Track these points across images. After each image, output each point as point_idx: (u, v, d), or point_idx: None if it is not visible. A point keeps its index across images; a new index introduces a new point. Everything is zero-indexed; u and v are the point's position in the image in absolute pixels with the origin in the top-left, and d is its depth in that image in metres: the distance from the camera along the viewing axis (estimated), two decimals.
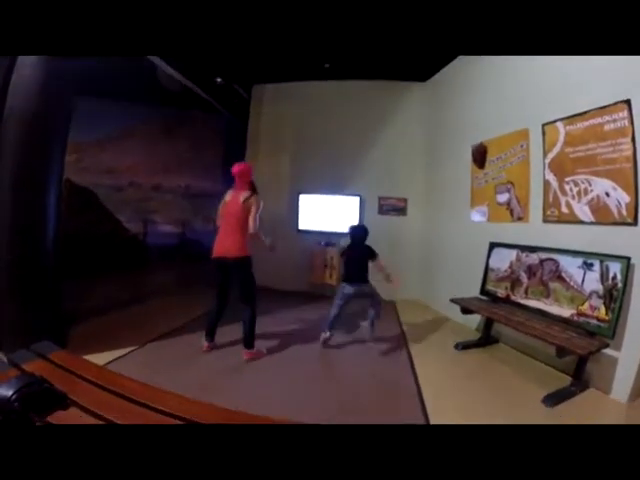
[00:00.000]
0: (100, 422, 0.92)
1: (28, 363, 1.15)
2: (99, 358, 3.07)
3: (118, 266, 7.00)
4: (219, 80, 6.48)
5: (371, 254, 3.84)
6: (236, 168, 3.51)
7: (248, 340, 3.47)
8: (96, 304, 4.71)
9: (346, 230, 4.11)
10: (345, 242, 4.39)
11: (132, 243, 8.15)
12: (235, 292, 3.53)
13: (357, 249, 3.89)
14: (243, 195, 3.45)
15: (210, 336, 3.63)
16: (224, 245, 3.41)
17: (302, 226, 6.50)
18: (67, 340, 3.40)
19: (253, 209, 3.41)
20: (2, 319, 3.00)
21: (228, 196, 3.56)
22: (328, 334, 3.80)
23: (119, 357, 3.29)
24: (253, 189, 3.55)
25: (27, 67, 2.91)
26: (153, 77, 5.69)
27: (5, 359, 1.19)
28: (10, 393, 0.85)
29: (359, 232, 3.96)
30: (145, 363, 3.26)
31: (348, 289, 3.78)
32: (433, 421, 2.49)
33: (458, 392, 3.00)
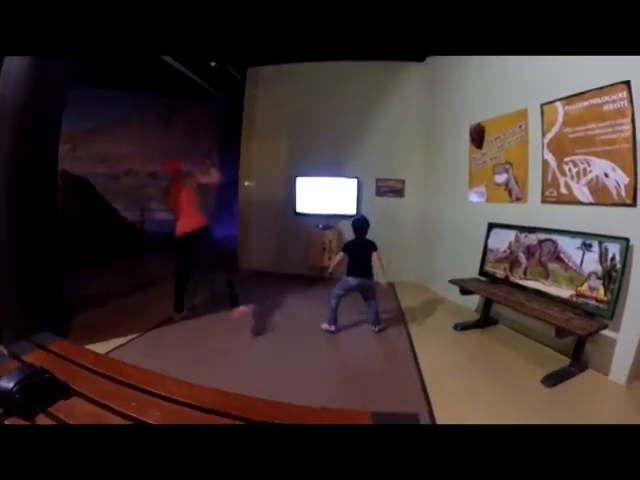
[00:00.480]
0: (101, 410, 0.92)
1: (29, 354, 1.15)
2: (100, 347, 3.09)
3: (116, 255, 6.99)
4: (213, 64, 6.38)
5: (374, 247, 3.86)
6: (168, 163, 4.38)
7: (234, 299, 4.19)
8: (95, 293, 4.71)
9: (344, 216, 4.15)
10: (340, 225, 4.39)
11: (129, 231, 8.12)
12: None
13: (361, 243, 3.91)
14: (180, 179, 4.08)
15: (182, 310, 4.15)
16: (186, 223, 3.99)
17: (300, 209, 6.46)
18: (68, 330, 3.41)
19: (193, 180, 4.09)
20: (2, 311, 3.00)
21: (169, 184, 4.15)
22: (332, 327, 3.83)
23: (120, 345, 3.30)
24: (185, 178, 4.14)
25: (15, 57, 2.85)
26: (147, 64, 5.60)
27: (5, 351, 1.19)
28: (11, 385, 0.85)
29: (362, 225, 3.94)
30: (146, 350, 3.27)
31: (353, 281, 3.79)
32: (434, 403, 2.51)
33: (458, 373, 3.03)
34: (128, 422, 0.88)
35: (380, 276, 3.87)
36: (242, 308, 4.02)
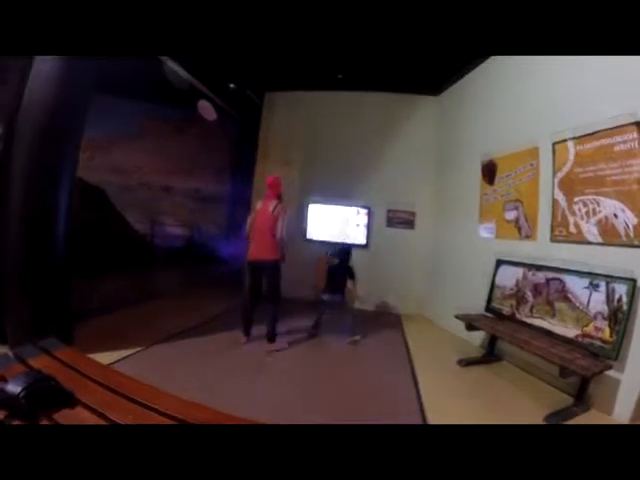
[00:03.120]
0: (105, 422, 0.93)
1: (34, 359, 1.16)
2: (104, 357, 3.09)
3: (126, 266, 7.04)
4: (232, 86, 6.54)
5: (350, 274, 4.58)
6: (270, 180, 4.03)
7: (271, 335, 3.94)
8: (103, 302, 4.74)
9: (354, 245, 4.43)
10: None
11: (140, 243, 8.18)
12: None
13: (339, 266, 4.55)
14: (272, 204, 3.91)
15: (247, 332, 4.01)
16: (258, 249, 3.86)
17: (310, 235, 6.49)
18: (73, 337, 3.42)
19: (281, 216, 3.87)
20: (10, 314, 3.03)
21: (259, 205, 4.01)
22: (358, 337, 4.41)
23: (125, 357, 3.30)
24: (280, 199, 4.02)
25: (45, 62, 2.95)
26: (164, 76, 5.75)
27: (11, 354, 1.21)
28: (19, 390, 0.86)
29: (343, 253, 4.61)
30: (151, 365, 3.26)
31: (325, 297, 4.52)
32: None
33: (460, 409, 2.98)
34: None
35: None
36: (281, 342, 4.01)
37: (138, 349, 3.51)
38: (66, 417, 0.92)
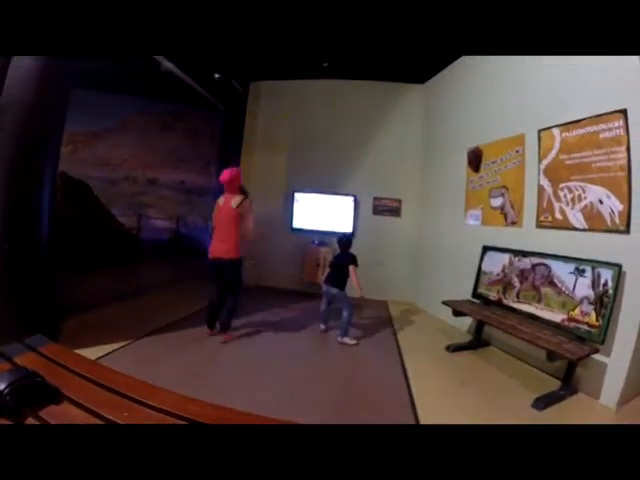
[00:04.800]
0: (92, 417, 0.92)
1: (20, 356, 1.14)
2: (91, 352, 3.06)
3: (111, 260, 6.97)
4: (217, 76, 6.45)
5: (352, 261, 4.10)
6: (225, 175, 3.69)
7: (225, 326, 3.87)
8: (88, 298, 4.68)
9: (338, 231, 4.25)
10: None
11: (126, 237, 8.10)
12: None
13: (340, 256, 4.23)
14: (235, 200, 3.68)
15: (211, 325, 3.93)
16: (219, 248, 3.68)
17: (296, 225, 6.48)
18: (59, 333, 3.38)
19: (249, 217, 3.72)
20: None
21: (221, 201, 3.77)
22: (323, 327, 4.34)
23: (111, 351, 3.27)
24: (244, 193, 3.80)
25: (24, 57, 2.88)
26: (151, 70, 5.65)
27: None
28: (2, 387, 0.84)
29: (343, 242, 4.25)
30: (137, 358, 3.24)
31: (324, 288, 4.21)
32: (422, 422, 2.50)
33: (449, 395, 3.02)
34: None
35: (354, 288, 4.03)
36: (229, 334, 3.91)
37: (124, 343, 3.47)
38: (52, 413, 0.90)
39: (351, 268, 4.03)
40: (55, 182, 3.33)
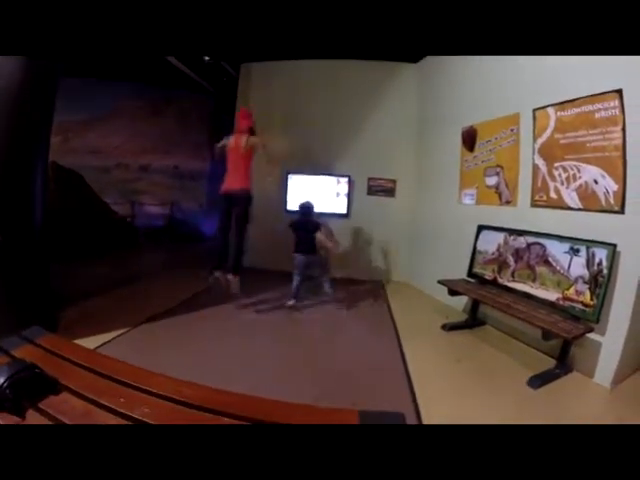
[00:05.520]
0: (91, 406, 0.92)
1: (17, 349, 1.14)
2: (90, 341, 3.06)
3: (106, 248, 6.94)
4: (207, 58, 6.34)
5: (317, 227, 4.29)
6: (242, 111, 4.40)
7: (236, 267, 4.08)
8: (85, 287, 4.67)
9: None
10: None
11: (120, 225, 8.05)
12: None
13: (304, 222, 4.36)
14: (244, 139, 4.07)
15: (219, 266, 4.12)
16: (232, 182, 4.03)
17: (291, 206, 6.42)
18: (57, 324, 3.37)
19: (259, 144, 4.13)
20: None
21: (231, 141, 4.13)
22: (291, 302, 4.35)
23: (110, 340, 3.27)
24: (253, 132, 4.21)
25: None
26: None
27: None
28: (1, 381, 0.85)
29: (305, 208, 4.43)
30: (136, 345, 3.25)
31: (300, 257, 4.26)
32: (420, 402, 2.54)
33: (445, 373, 3.06)
34: (117, 418, 0.88)
35: (327, 243, 4.32)
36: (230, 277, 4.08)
37: (121, 331, 3.48)
38: (52, 404, 0.91)
39: (319, 233, 4.23)
40: (46, 172, 3.29)
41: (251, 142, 4.07)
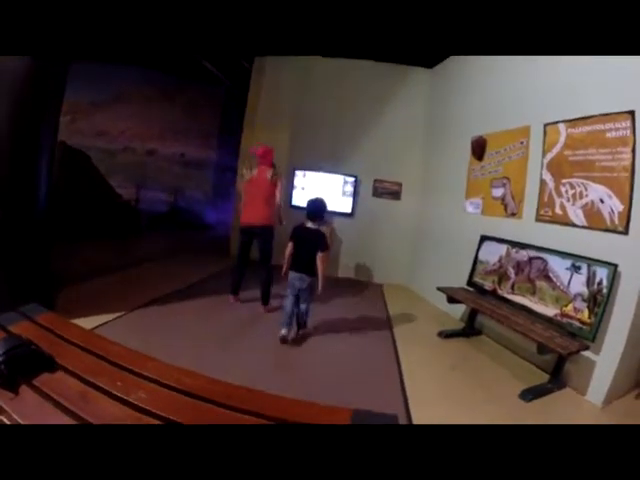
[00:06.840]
0: (87, 387, 0.92)
1: (14, 325, 1.14)
2: (86, 322, 3.05)
3: (109, 231, 6.94)
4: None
5: (321, 246, 3.30)
6: (260, 150, 4.11)
7: (265, 297, 4.10)
8: (84, 268, 4.67)
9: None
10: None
11: (124, 208, 8.04)
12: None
13: (312, 232, 3.36)
14: (269, 172, 4.05)
15: (235, 292, 4.24)
16: (253, 215, 4.00)
17: (295, 202, 6.42)
18: (55, 303, 3.37)
19: (279, 185, 4.07)
20: None
21: (255, 173, 4.09)
22: (284, 331, 3.34)
23: (107, 322, 3.28)
24: (274, 167, 4.16)
25: None
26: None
27: None
28: None
29: (317, 207, 3.44)
30: (132, 328, 3.26)
31: (294, 277, 3.36)
32: (412, 406, 2.54)
33: (439, 381, 3.06)
34: (113, 401, 0.88)
35: (319, 281, 3.34)
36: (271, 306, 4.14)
37: (119, 314, 3.49)
38: (47, 382, 0.90)
39: (321, 256, 3.26)
40: (54, 150, 3.28)
41: (277, 175, 4.09)
